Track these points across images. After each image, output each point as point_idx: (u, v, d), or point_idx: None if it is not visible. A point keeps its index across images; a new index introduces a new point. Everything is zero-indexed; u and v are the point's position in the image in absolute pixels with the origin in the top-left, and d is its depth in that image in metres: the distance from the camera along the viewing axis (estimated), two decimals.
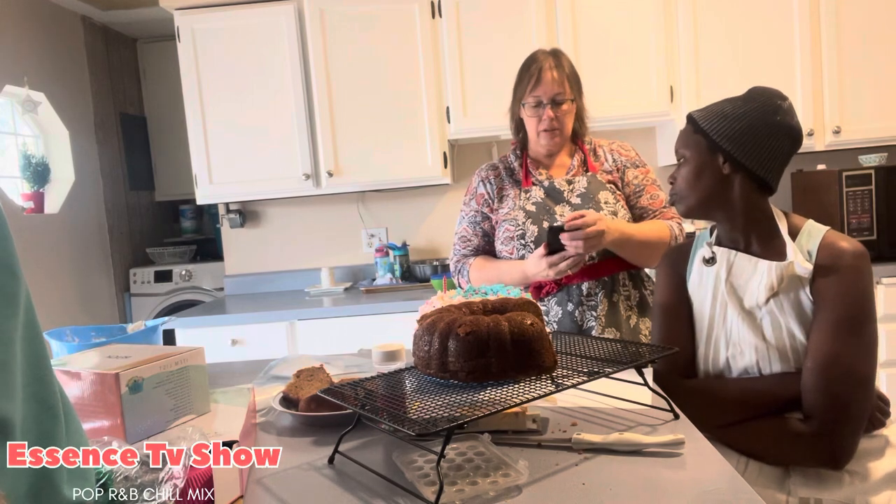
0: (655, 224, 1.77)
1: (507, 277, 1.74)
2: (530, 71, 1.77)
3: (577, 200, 1.76)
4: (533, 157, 1.88)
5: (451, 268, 1.94)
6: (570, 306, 1.73)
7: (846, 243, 1.24)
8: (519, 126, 1.87)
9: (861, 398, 1.19)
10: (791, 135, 1.28)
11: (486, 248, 1.89)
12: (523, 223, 1.77)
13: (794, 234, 1.30)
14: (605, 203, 1.75)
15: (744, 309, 1.30)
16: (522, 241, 1.76)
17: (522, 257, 1.76)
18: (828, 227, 1.30)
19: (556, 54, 1.79)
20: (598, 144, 1.88)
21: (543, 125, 1.76)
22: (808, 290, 1.24)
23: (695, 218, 1.40)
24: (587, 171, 1.83)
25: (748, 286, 1.30)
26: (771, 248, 1.31)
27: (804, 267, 1.23)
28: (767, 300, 1.27)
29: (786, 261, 1.26)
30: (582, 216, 1.58)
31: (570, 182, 1.80)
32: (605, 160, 1.85)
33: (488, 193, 1.87)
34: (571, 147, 1.88)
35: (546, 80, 1.74)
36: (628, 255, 1.73)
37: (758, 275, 1.29)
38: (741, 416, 1.28)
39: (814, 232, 1.29)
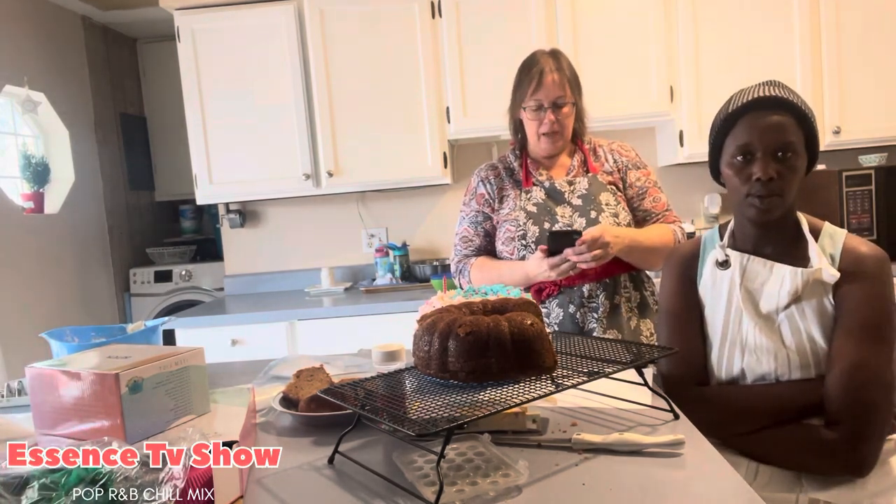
0: (660, 229, 1.78)
1: (508, 278, 1.73)
2: (531, 74, 1.75)
3: (578, 202, 1.76)
4: (533, 157, 1.87)
5: (452, 268, 1.94)
6: (571, 308, 1.73)
7: (866, 248, 1.24)
8: (518, 127, 1.85)
9: (888, 404, 1.18)
10: None
11: (488, 248, 1.88)
12: (524, 224, 1.76)
13: (815, 234, 1.28)
14: (606, 205, 1.75)
15: (760, 314, 1.28)
16: (523, 242, 1.76)
17: (523, 258, 1.75)
18: (845, 231, 1.29)
19: (556, 56, 1.78)
20: (598, 144, 1.88)
21: (544, 128, 1.75)
22: (830, 295, 1.23)
23: (769, 221, 1.28)
24: (587, 171, 1.82)
25: (763, 290, 1.28)
26: (793, 250, 1.28)
27: (832, 274, 1.21)
28: (788, 305, 1.25)
29: (810, 265, 1.24)
30: (593, 237, 1.56)
31: (570, 183, 1.79)
32: (605, 160, 1.84)
33: (488, 193, 1.86)
34: (571, 147, 1.86)
35: (547, 83, 1.72)
36: (635, 261, 1.73)
37: (774, 279, 1.26)
38: (760, 423, 1.26)
39: (835, 236, 1.28)
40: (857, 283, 1.21)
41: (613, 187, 1.80)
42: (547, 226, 1.74)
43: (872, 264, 1.22)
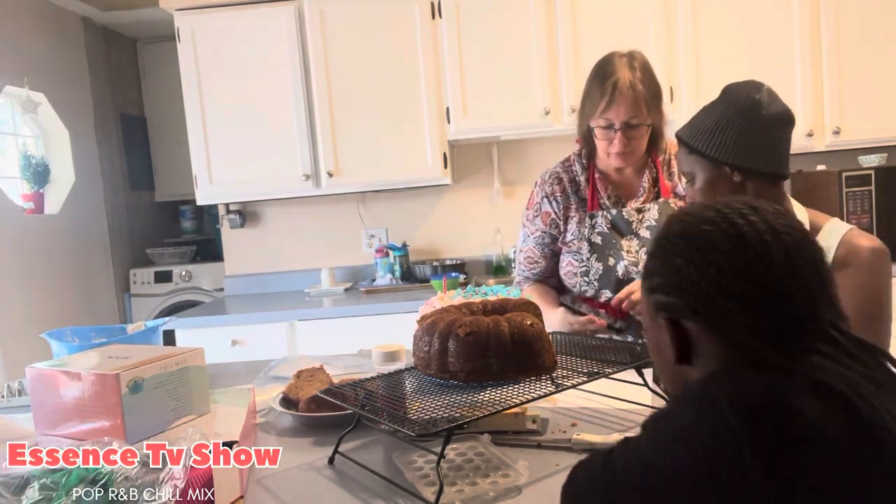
0: None
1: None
2: (604, 87, 1.55)
3: (646, 234, 1.63)
4: (601, 168, 1.71)
5: (514, 284, 1.87)
6: (629, 338, 1.63)
7: (866, 241, 1.23)
8: (587, 135, 1.66)
9: None
10: (783, 120, 1.27)
11: (554, 270, 1.77)
12: (588, 259, 1.65)
13: (815, 230, 1.28)
14: None
15: None
16: (586, 279, 1.66)
17: (584, 293, 1.67)
18: (852, 226, 1.28)
19: (633, 66, 1.57)
20: (674, 154, 1.68)
21: (614, 149, 1.59)
22: None
23: None
24: (659, 194, 1.67)
25: None
26: None
27: None
28: None
29: None
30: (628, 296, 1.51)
31: (639, 211, 1.65)
32: (679, 178, 1.67)
33: (555, 213, 1.72)
34: (644, 160, 1.68)
35: (619, 101, 1.53)
36: None
37: None
38: None
39: (836, 229, 1.28)
40: (849, 271, 1.20)
41: None
42: (612, 262, 1.63)
43: (867, 255, 1.21)
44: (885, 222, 2.78)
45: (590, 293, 1.67)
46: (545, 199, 1.74)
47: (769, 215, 0.69)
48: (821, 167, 3.00)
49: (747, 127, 1.25)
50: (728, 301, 0.66)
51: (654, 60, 1.65)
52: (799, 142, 2.96)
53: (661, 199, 1.66)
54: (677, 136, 1.33)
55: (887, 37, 2.95)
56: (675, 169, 1.69)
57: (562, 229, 1.73)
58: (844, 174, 2.80)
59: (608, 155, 1.62)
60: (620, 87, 1.54)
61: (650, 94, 1.57)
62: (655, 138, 1.67)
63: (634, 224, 1.65)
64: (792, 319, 0.66)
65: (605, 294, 1.65)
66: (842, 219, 2.82)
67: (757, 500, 0.56)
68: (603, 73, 1.58)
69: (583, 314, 1.51)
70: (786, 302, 0.66)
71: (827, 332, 0.66)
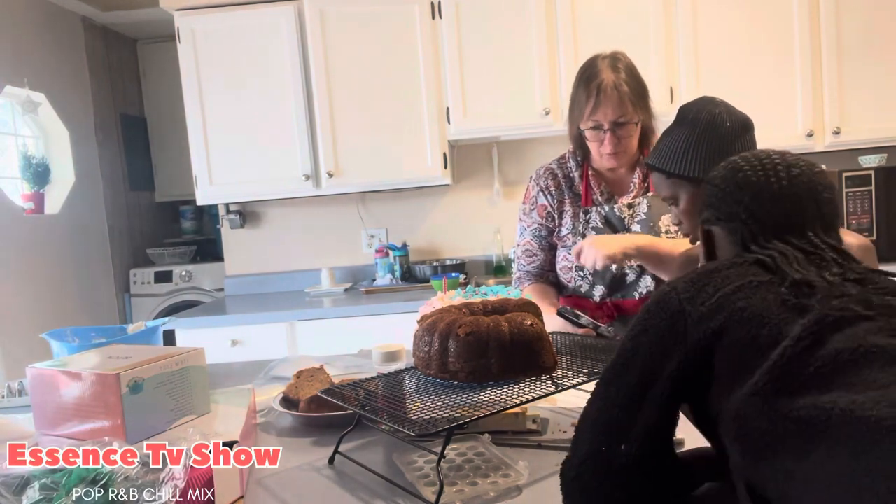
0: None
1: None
2: (588, 89, 1.60)
3: (637, 228, 1.68)
4: (595, 166, 1.75)
5: (513, 282, 1.88)
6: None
7: (852, 238, 1.26)
8: (578, 140, 1.72)
9: None
10: (745, 127, 1.30)
11: (552, 264, 1.81)
12: None
13: None
14: (666, 232, 1.65)
15: None
16: (581, 273, 1.70)
17: (579, 287, 1.71)
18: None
19: (617, 67, 1.61)
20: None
21: (606, 149, 1.63)
22: None
23: None
24: (648, 189, 1.70)
25: None
26: None
27: None
28: None
29: None
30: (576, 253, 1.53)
31: (630, 206, 1.70)
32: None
33: (549, 205, 1.77)
34: (636, 156, 1.73)
35: (605, 101, 1.58)
36: (665, 273, 1.56)
37: None
38: None
39: None
40: None
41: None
42: None
43: (856, 252, 1.23)
44: (885, 222, 2.79)
45: (584, 288, 1.72)
46: (540, 193, 1.79)
47: (790, 158, 0.89)
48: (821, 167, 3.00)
49: (716, 141, 1.29)
50: (741, 211, 0.87)
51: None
52: (799, 142, 2.96)
53: (649, 194, 1.70)
54: (648, 165, 1.36)
55: (887, 37, 2.95)
56: None
57: (557, 222, 1.77)
58: (844, 174, 2.80)
59: (601, 156, 1.67)
60: (605, 87, 1.58)
61: (635, 93, 1.60)
62: (646, 135, 1.71)
63: (626, 220, 1.70)
64: (778, 227, 0.84)
65: (599, 290, 1.70)
66: (841, 219, 2.84)
67: (694, 322, 0.76)
68: (587, 77, 1.62)
69: (581, 325, 1.51)
70: (779, 217, 0.85)
71: (806, 237, 0.82)
